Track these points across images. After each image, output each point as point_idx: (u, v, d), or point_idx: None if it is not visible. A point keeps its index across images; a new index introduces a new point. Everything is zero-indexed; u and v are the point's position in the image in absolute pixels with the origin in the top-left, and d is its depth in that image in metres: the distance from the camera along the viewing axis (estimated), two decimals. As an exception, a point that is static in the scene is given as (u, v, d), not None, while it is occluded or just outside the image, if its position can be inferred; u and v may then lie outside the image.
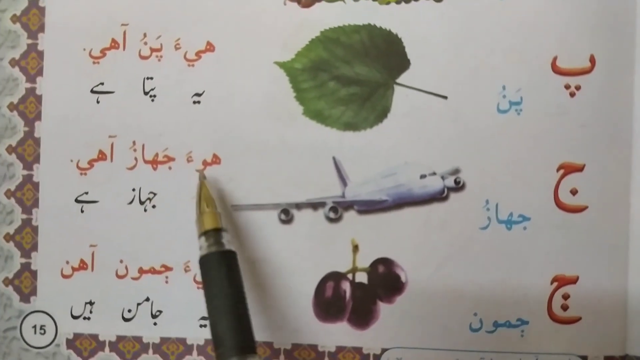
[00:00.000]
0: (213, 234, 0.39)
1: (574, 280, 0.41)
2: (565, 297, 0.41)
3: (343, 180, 0.42)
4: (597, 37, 0.40)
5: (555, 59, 0.41)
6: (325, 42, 0.42)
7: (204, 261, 0.38)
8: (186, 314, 0.43)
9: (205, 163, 0.42)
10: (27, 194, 0.43)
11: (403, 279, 0.42)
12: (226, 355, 0.36)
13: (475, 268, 0.41)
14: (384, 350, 0.42)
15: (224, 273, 0.38)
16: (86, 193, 0.43)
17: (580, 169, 0.41)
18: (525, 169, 0.41)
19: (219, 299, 0.37)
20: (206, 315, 0.41)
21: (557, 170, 0.41)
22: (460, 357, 0.41)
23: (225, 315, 0.37)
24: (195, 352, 0.43)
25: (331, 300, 0.42)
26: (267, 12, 0.42)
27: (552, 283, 0.41)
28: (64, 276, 0.43)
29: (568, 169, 0.41)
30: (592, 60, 0.40)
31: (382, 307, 0.42)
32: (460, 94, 0.41)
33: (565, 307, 0.41)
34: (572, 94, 0.41)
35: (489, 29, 0.41)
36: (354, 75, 0.42)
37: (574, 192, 0.41)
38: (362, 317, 0.42)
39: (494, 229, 0.41)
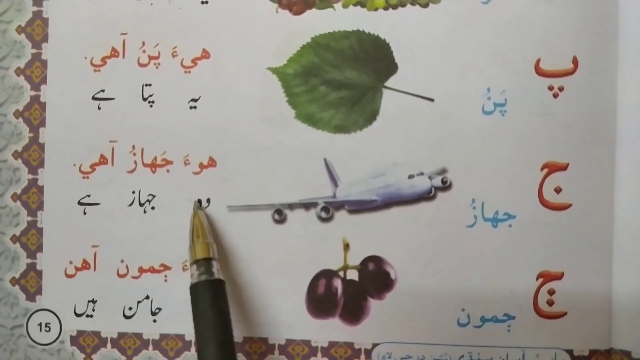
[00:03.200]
0: (204, 263, 0.40)
1: (559, 276, 0.42)
2: (551, 292, 0.42)
3: (334, 181, 0.43)
4: (580, 39, 0.41)
5: (538, 61, 0.42)
6: (315, 47, 0.43)
7: (194, 289, 0.40)
8: (184, 311, 0.43)
9: (201, 166, 0.44)
10: (32, 197, 0.45)
11: (392, 276, 0.43)
12: None
13: (463, 265, 0.42)
14: (374, 345, 0.43)
15: (213, 301, 0.39)
16: (88, 196, 0.44)
17: (564, 167, 0.42)
18: (510, 168, 0.42)
19: (206, 326, 0.39)
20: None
21: (542, 169, 0.42)
22: (449, 352, 0.42)
23: (211, 342, 0.38)
24: (193, 348, 0.44)
25: (323, 297, 0.43)
26: (260, 19, 0.43)
27: (537, 279, 0.42)
28: (68, 276, 0.45)
29: (552, 168, 0.42)
30: (575, 61, 0.41)
31: (373, 304, 0.43)
32: (446, 97, 0.42)
33: (550, 303, 0.42)
34: (555, 95, 0.42)
35: (473, 33, 0.42)
36: (343, 79, 0.43)
37: (558, 190, 0.42)
38: (354, 313, 0.43)
39: (480, 227, 0.42)
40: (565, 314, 0.42)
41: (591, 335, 0.42)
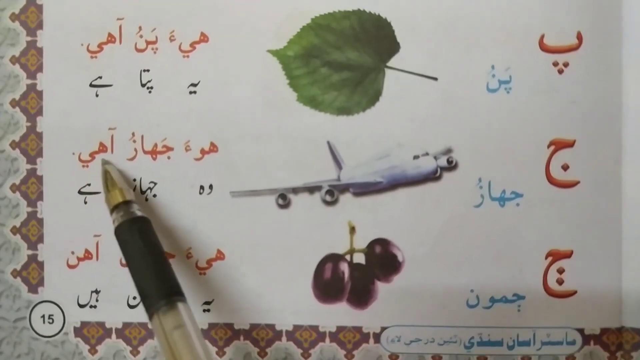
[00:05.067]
0: (122, 207, 0.40)
1: (568, 255, 0.41)
2: (560, 271, 0.41)
3: (338, 164, 0.42)
4: (583, 14, 0.41)
5: (542, 37, 0.41)
6: (316, 28, 0.43)
7: (118, 232, 0.40)
8: (189, 299, 0.42)
9: (203, 151, 0.43)
10: (31, 188, 0.44)
11: (400, 258, 0.42)
12: (154, 303, 0.37)
13: (471, 245, 0.42)
14: (383, 329, 0.42)
15: (137, 235, 0.39)
16: (89, 185, 0.44)
17: (570, 144, 0.41)
18: (516, 147, 0.41)
19: (137, 259, 0.39)
20: (209, 300, 0.43)
21: (548, 146, 0.41)
22: (458, 333, 0.42)
23: (146, 271, 0.38)
24: (199, 337, 0.44)
25: (330, 281, 0.43)
26: (259, 1, 0.43)
27: (546, 258, 0.42)
28: (70, 266, 0.44)
29: (559, 145, 0.41)
30: (579, 37, 0.41)
31: (380, 287, 0.43)
32: (450, 75, 0.42)
33: (560, 281, 0.42)
34: (560, 71, 0.41)
35: (476, 10, 0.42)
36: (345, 60, 0.42)
37: (565, 167, 0.41)
38: (361, 297, 0.43)
39: (487, 207, 0.42)
40: (575, 292, 0.42)
41: (602, 313, 0.42)
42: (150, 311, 0.37)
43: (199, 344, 0.36)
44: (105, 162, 0.43)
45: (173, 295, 0.38)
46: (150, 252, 0.39)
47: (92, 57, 0.44)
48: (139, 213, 0.40)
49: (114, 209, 0.41)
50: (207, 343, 0.42)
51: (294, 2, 0.43)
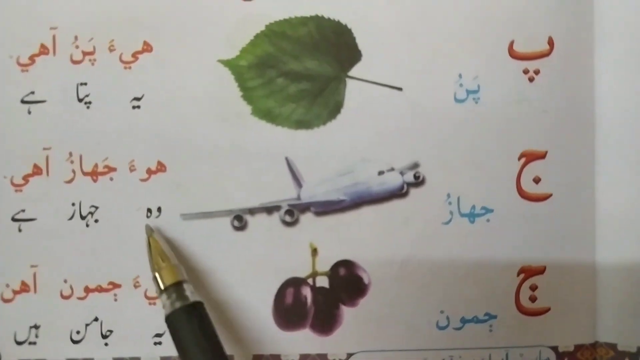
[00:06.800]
0: (175, 289, 0.38)
1: (541, 271, 0.41)
2: (533, 288, 0.41)
3: (297, 182, 0.41)
4: (555, 19, 0.40)
5: (512, 43, 0.40)
6: (271, 36, 0.41)
7: (171, 319, 0.37)
8: (139, 331, 0.41)
9: (149, 171, 0.41)
10: (-41, 216, 0.41)
11: (366, 280, 0.41)
12: None
13: (440, 264, 0.41)
14: (349, 355, 0.41)
15: (196, 327, 0.37)
16: (23, 211, 0.41)
17: (542, 156, 0.41)
18: (485, 160, 0.41)
19: (195, 354, 0.36)
20: (160, 332, 0.41)
21: (519, 158, 0.41)
22: (428, 357, 0.41)
23: None
24: (151, 371, 0.41)
25: (292, 307, 0.41)
26: (208, 7, 0.41)
27: (518, 275, 0.41)
28: (5, 300, 0.41)
29: (530, 157, 0.41)
30: (551, 42, 0.40)
31: (346, 311, 0.41)
32: (415, 85, 0.41)
33: (533, 299, 0.41)
34: (531, 79, 0.40)
35: (442, 15, 0.41)
36: (303, 70, 0.41)
37: (537, 180, 0.41)
38: (325, 322, 0.41)
39: (457, 223, 0.41)
40: (548, 309, 0.41)
41: (576, 329, 0.41)
42: None
43: None
44: (149, 230, 0.40)
45: None
46: (210, 349, 0.36)
47: (22, 70, 0.41)
48: (193, 297, 0.38)
49: (164, 290, 0.38)
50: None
51: (246, 7, 0.41)
